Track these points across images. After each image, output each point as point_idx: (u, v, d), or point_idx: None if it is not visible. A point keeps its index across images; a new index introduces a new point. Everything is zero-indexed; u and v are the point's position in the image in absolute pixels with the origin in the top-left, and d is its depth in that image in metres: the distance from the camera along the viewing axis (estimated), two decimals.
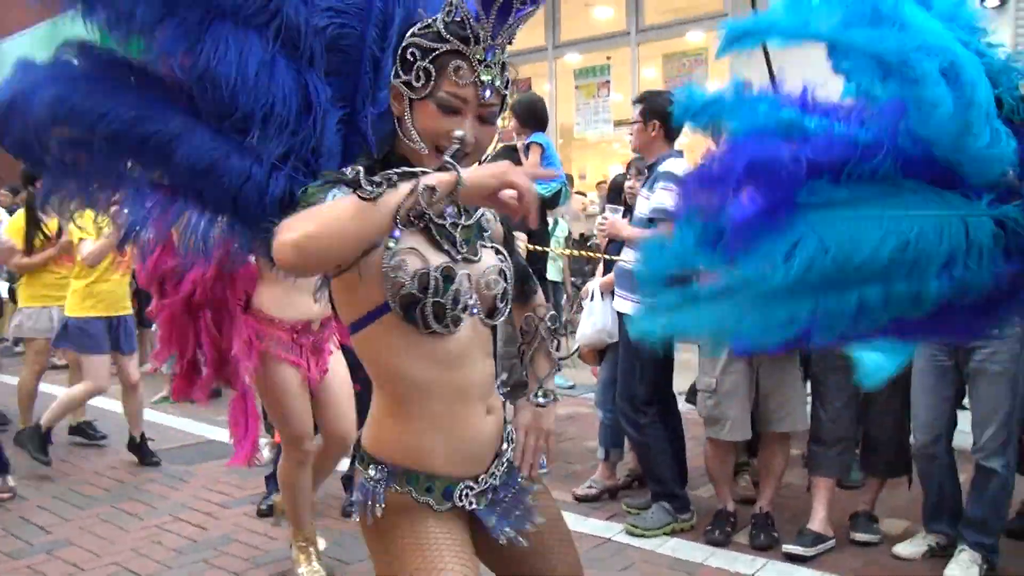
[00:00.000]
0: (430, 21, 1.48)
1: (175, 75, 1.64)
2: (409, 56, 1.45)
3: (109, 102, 1.60)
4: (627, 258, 3.93)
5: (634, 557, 3.59)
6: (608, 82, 9.25)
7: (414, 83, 1.45)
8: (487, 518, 1.61)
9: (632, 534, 3.78)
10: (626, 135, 4.39)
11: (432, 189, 1.28)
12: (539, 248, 4.40)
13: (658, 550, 3.65)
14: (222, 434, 5.43)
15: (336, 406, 3.22)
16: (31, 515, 4.12)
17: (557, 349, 1.82)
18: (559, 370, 1.82)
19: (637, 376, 3.86)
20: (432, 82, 1.44)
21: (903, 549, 3.52)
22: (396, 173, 1.33)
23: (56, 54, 1.68)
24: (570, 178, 9.28)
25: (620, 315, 3.99)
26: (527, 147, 4.81)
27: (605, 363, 4.42)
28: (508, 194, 1.34)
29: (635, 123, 3.92)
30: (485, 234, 1.62)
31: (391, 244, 1.43)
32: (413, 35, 1.47)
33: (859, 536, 3.65)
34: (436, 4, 1.54)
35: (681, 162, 3.87)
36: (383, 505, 1.54)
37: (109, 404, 5.73)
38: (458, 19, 1.44)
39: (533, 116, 4.87)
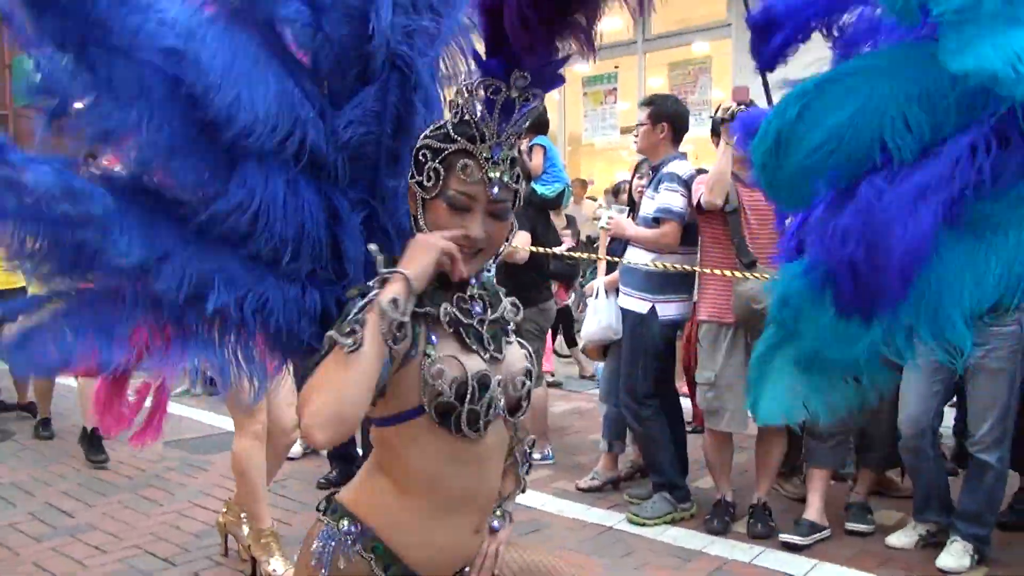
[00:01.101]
0: (442, 123, 1.51)
1: (190, 202, 1.52)
2: (421, 157, 1.47)
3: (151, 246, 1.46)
4: (632, 257, 3.99)
5: (635, 545, 3.63)
6: (615, 90, 9.32)
7: (425, 183, 1.46)
8: None
9: (633, 523, 3.83)
10: (632, 141, 4.44)
11: (394, 301, 1.32)
12: (542, 249, 4.45)
13: (659, 538, 3.70)
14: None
15: (276, 395, 3.20)
16: (57, 501, 4.19)
17: (527, 474, 1.81)
18: (523, 492, 1.81)
19: (640, 370, 3.91)
20: (441, 181, 1.46)
21: (895, 539, 3.56)
22: (358, 308, 1.34)
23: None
24: (583, 183, 9.37)
25: (624, 312, 4.05)
26: (530, 149, 4.92)
27: (609, 358, 4.47)
28: (442, 261, 1.42)
29: (642, 125, 3.98)
30: (509, 327, 1.62)
31: (430, 351, 1.44)
32: (426, 136, 1.49)
33: (853, 526, 3.69)
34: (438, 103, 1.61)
35: (686, 164, 3.93)
36: (342, 565, 1.49)
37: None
38: (465, 119, 1.48)
39: (534, 120, 4.95)
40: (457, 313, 1.47)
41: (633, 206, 4.32)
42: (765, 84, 4.34)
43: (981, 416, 3.34)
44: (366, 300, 1.35)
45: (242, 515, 3.40)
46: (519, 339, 1.64)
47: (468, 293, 1.52)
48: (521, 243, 4.28)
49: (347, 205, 1.57)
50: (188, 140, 1.46)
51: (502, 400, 1.53)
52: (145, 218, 1.48)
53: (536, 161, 4.88)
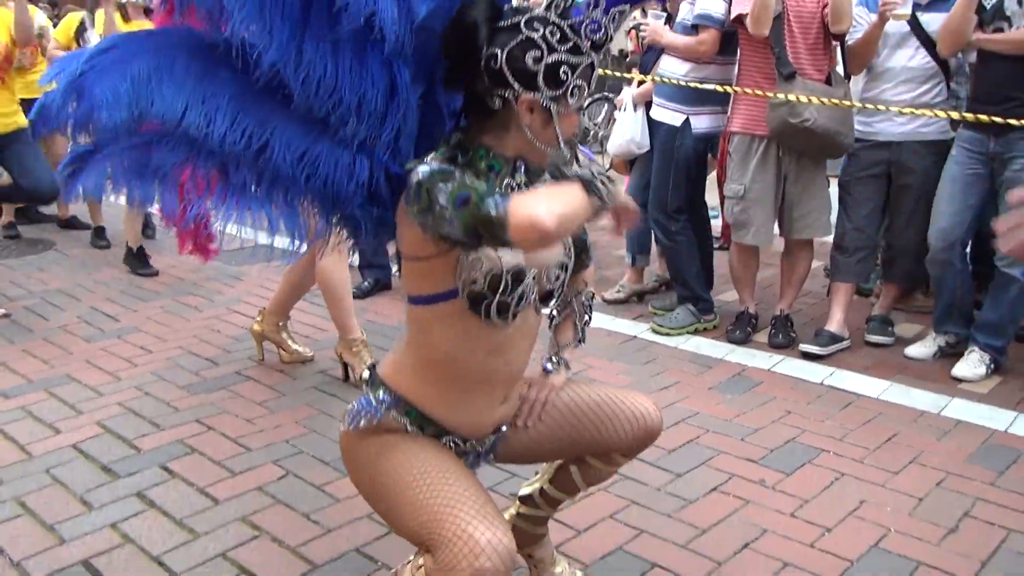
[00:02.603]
0: (554, 23, 1.43)
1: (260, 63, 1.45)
2: (562, 75, 1.43)
3: (205, 93, 1.46)
4: (667, 67, 3.77)
5: (658, 352, 3.67)
6: None
7: (568, 99, 1.46)
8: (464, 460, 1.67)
9: (657, 332, 3.85)
10: None
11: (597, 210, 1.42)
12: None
13: (681, 347, 3.73)
14: (272, 238, 5.56)
15: (323, 259, 3.13)
16: (101, 306, 4.27)
17: (585, 325, 1.86)
18: (582, 342, 1.86)
19: (671, 184, 3.79)
20: (584, 95, 1.47)
21: (914, 350, 3.56)
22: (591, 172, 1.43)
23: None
24: None
25: (657, 124, 3.88)
26: None
27: (634, 172, 4.34)
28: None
29: None
30: None
31: None
32: (553, 51, 1.42)
33: (873, 338, 3.69)
34: None
35: None
36: (376, 423, 1.59)
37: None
38: (592, 27, 1.43)
39: None
40: None
41: (668, 13, 4.03)
42: None
43: None
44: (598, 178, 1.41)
45: (279, 323, 3.46)
46: None
47: (533, 180, 1.54)
48: None
49: (408, 78, 1.49)
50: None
51: (534, 293, 1.56)
52: (207, 70, 1.48)
53: None
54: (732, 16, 3.46)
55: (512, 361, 1.62)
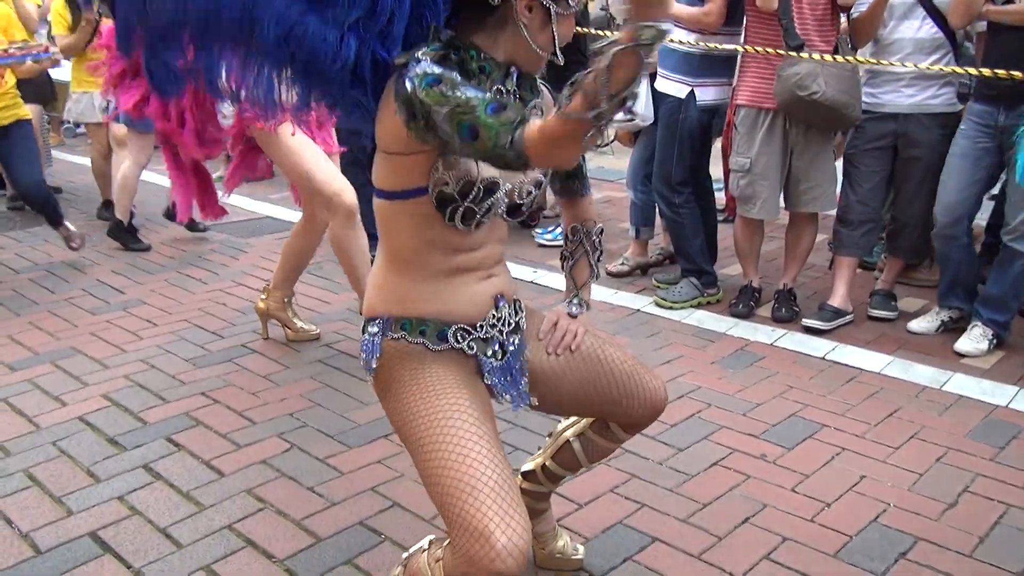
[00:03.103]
0: None
1: None
2: None
3: None
4: (672, 36, 3.70)
5: (661, 326, 3.66)
6: None
7: (571, 2, 1.47)
8: (490, 376, 1.58)
9: (661, 306, 3.83)
10: None
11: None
12: (584, 29, 4.17)
13: (684, 320, 3.71)
14: (276, 211, 5.54)
15: (319, 169, 3.12)
16: (107, 279, 4.27)
17: (599, 260, 1.83)
18: (597, 278, 1.84)
19: (675, 157, 3.75)
20: None
21: (917, 324, 3.54)
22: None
23: None
24: None
25: (661, 96, 3.82)
26: None
27: (638, 145, 4.30)
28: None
29: None
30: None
31: None
32: None
33: (876, 312, 3.67)
34: None
35: None
36: (379, 355, 1.54)
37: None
38: None
39: None
40: None
41: None
42: None
43: (1019, 205, 3.19)
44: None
45: (285, 299, 3.41)
46: None
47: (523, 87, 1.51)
48: None
49: None
50: None
51: (503, 206, 1.52)
52: None
53: None
54: None
55: (482, 255, 1.58)
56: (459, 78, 1.32)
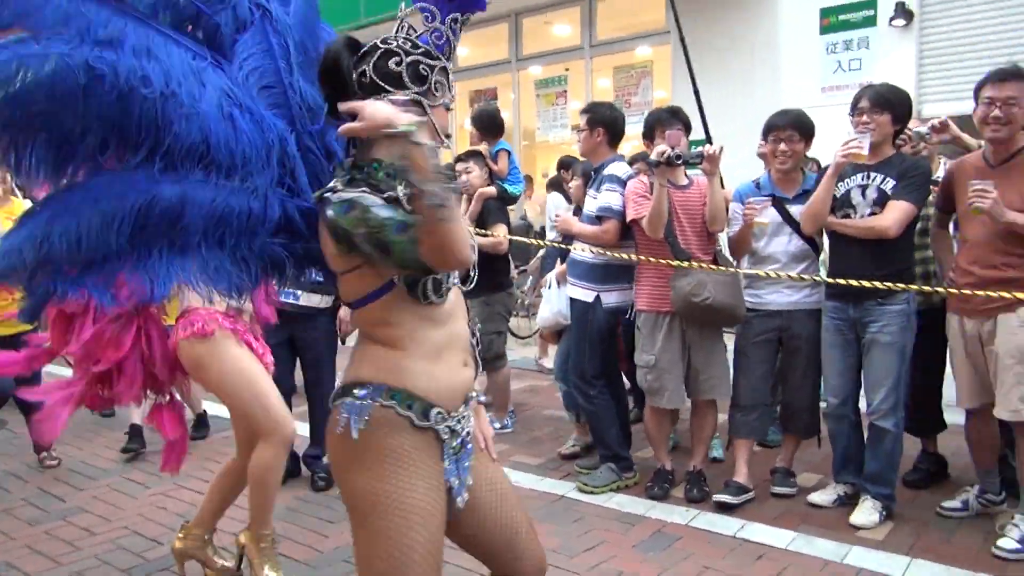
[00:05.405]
0: (406, 38, 1.67)
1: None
2: (422, 71, 1.65)
3: (110, 207, 1.50)
4: (577, 249, 4.05)
5: (584, 511, 3.72)
6: (565, 91, 9.35)
7: (434, 92, 1.66)
8: (451, 477, 1.68)
9: (583, 491, 3.91)
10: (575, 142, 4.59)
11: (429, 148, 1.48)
12: (518, 239, 4.63)
13: (605, 504, 3.78)
14: (220, 409, 5.50)
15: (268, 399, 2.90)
16: (49, 486, 4.16)
17: (481, 356, 1.90)
18: (480, 371, 1.89)
19: (587, 353, 3.98)
20: (445, 91, 1.68)
21: (817, 497, 3.68)
22: (445, 171, 1.49)
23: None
24: (529, 179, 9.44)
25: (572, 300, 4.11)
26: (495, 154, 5.10)
27: (562, 342, 4.55)
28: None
29: (582, 131, 4.02)
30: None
31: None
32: (410, 54, 1.64)
33: (778, 489, 3.81)
34: (311, 30, 1.79)
35: (623, 165, 3.98)
36: (368, 417, 1.58)
37: None
38: (436, 35, 1.69)
39: (493, 125, 5.19)
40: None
41: (577, 204, 4.38)
42: (696, 92, 4.42)
43: (877, 387, 3.42)
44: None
45: (205, 536, 3.06)
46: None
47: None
48: (501, 235, 4.59)
49: (280, 127, 1.69)
50: None
51: (455, 274, 1.70)
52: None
53: (502, 164, 5.12)
54: (628, 219, 3.78)
55: (458, 326, 1.72)
56: (369, 199, 1.50)
